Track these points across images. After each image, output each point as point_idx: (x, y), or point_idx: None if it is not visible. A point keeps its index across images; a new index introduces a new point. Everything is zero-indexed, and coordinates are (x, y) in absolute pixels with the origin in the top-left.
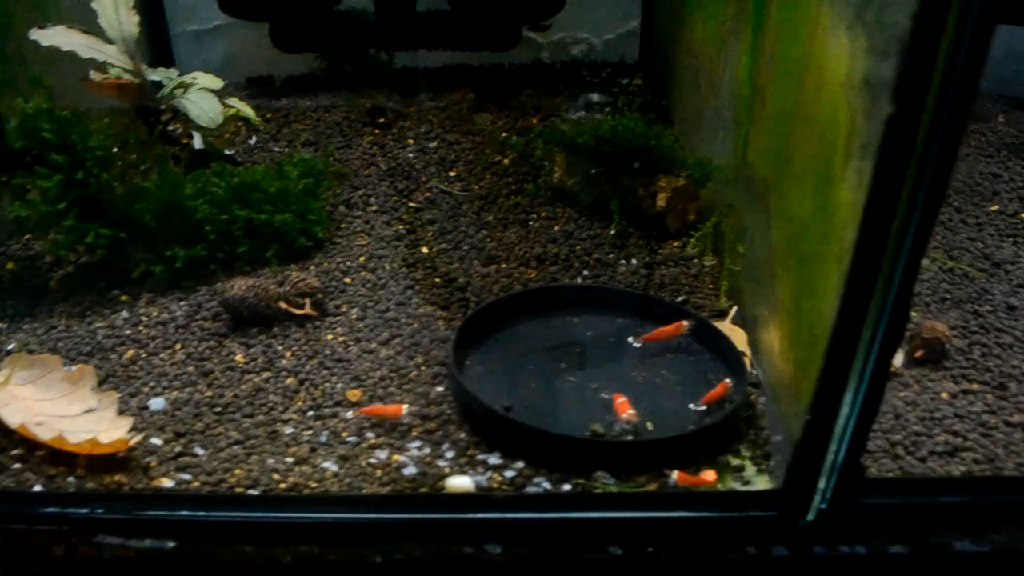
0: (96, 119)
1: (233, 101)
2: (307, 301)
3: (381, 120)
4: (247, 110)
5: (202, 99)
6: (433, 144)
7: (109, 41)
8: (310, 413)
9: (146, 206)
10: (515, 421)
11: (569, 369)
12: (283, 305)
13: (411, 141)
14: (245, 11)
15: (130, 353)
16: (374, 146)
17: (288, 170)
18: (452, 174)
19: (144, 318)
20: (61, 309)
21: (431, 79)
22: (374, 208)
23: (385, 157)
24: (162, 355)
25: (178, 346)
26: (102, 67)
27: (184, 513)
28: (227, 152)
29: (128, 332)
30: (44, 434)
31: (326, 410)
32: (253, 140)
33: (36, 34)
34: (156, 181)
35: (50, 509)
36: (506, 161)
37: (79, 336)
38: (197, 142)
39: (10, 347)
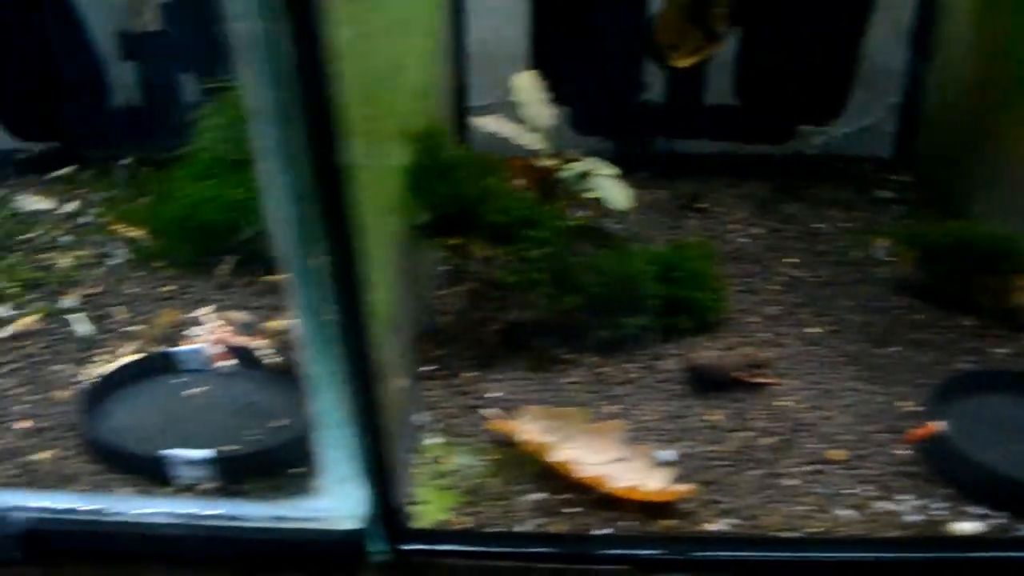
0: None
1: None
2: (763, 372)
3: (696, 206)
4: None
5: (612, 185)
6: (757, 231)
7: (532, 130)
8: (806, 468)
9: (596, 279)
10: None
11: None
12: (740, 374)
13: (735, 226)
14: (556, 98)
15: (605, 408)
16: (702, 230)
17: (688, 252)
18: (791, 260)
19: (602, 377)
20: (513, 363)
21: (710, 166)
22: (739, 288)
23: (718, 241)
24: (635, 411)
25: (648, 404)
26: (535, 153)
27: (738, 554)
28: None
29: (596, 389)
30: (613, 484)
31: (816, 466)
32: None
33: (479, 121)
34: (602, 256)
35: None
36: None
37: (550, 390)
38: None
39: (489, 394)
